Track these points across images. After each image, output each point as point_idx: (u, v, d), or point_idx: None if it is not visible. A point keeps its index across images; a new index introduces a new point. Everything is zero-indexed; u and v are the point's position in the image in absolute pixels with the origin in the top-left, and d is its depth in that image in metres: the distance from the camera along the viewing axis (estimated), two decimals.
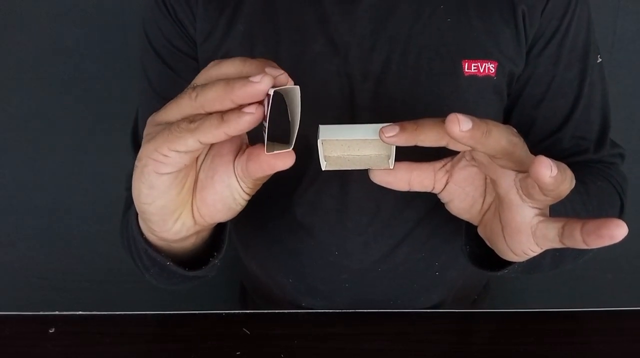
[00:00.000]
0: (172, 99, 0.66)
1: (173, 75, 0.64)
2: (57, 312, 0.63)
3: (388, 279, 0.68)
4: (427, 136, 0.37)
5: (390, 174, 0.41)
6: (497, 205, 0.41)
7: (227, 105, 0.35)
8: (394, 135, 0.37)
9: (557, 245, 0.38)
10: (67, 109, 1.03)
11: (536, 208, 0.38)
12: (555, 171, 0.34)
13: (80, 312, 0.63)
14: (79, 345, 0.59)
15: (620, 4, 0.95)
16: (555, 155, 0.63)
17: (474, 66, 0.58)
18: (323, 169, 0.41)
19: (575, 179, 0.57)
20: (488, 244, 0.44)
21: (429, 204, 0.64)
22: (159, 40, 0.64)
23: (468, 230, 0.49)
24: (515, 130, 0.38)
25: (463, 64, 0.58)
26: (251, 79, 0.34)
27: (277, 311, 0.64)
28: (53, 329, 0.61)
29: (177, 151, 0.36)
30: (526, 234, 0.39)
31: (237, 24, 0.60)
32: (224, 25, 0.60)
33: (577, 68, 0.62)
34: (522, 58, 0.60)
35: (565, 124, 0.63)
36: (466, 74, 0.58)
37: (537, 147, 0.64)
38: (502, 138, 0.35)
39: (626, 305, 0.64)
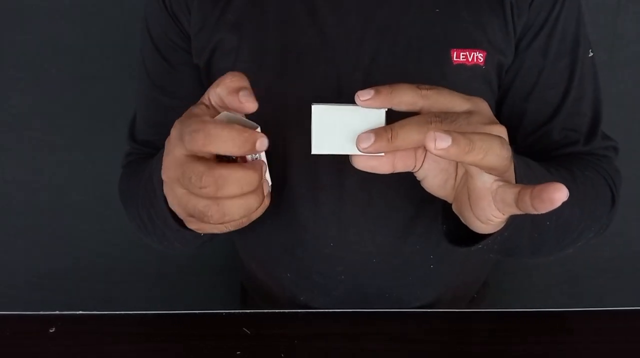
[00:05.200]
0: (166, 88, 0.68)
1: (168, 66, 0.66)
2: (57, 312, 0.63)
3: (383, 271, 0.69)
4: (401, 99, 0.38)
5: (376, 158, 0.42)
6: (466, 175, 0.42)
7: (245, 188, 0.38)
8: (369, 98, 0.38)
9: (515, 210, 0.39)
10: (67, 109, 1.03)
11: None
12: (443, 144, 0.35)
13: (80, 312, 0.63)
14: (79, 345, 0.59)
15: (620, 4, 0.95)
16: (545, 147, 0.64)
17: (463, 55, 0.59)
18: (312, 152, 0.41)
19: (563, 168, 0.58)
20: (462, 220, 0.46)
21: (423, 197, 0.64)
22: (157, 32, 0.66)
23: (445, 210, 0.50)
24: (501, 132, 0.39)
25: (452, 53, 0.59)
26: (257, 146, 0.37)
27: (277, 311, 0.64)
28: (53, 329, 0.61)
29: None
30: (487, 200, 0.41)
31: (228, 14, 0.61)
32: (216, 16, 0.61)
33: (567, 60, 0.62)
34: (511, 49, 0.61)
35: (555, 116, 0.63)
36: (455, 63, 0.59)
37: (528, 138, 0.64)
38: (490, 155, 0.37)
39: (626, 305, 0.64)
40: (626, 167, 0.68)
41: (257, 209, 0.40)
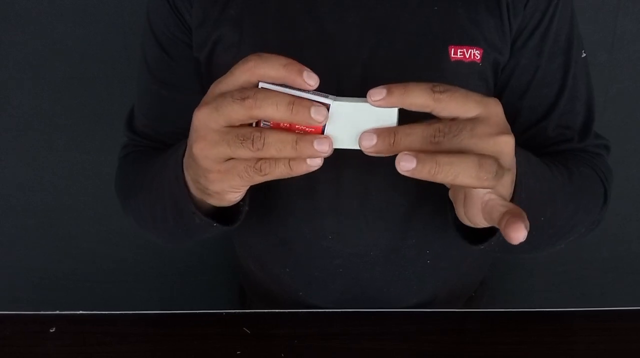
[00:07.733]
0: (167, 82, 0.68)
1: (168, 60, 0.66)
2: (57, 312, 0.63)
3: (380, 265, 0.69)
4: (413, 101, 0.38)
5: None
6: None
7: (289, 152, 0.39)
8: (382, 98, 0.38)
9: (496, 225, 0.40)
10: (67, 109, 1.03)
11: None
12: (408, 166, 0.37)
13: (80, 312, 0.63)
14: (79, 345, 0.59)
15: (620, 4, 0.95)
16: (540, 143, 0.65)
17: (460, 52, 0.60)
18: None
19: (559, 163, 0.59)
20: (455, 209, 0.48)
21: (420, 192, 0.65)
22: (158, 25, 0.66)
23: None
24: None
25: (449, 49, 0.60)
26: (316, 145, 0.38)
27: (277, 311, 0.64)
28: (54, 329, 0.61)
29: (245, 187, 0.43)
30: (477, 208, 0.43)
31: (230, 9, 0.62)
32: (218, 10, 0.62)
33: (561, 60, 0.64)
34: (507, 48, 0.62)
35: (550, 113, 0.65)
36: (452, 60, 0.60)
37: (523, 136, 0.65)
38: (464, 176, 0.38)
39: (626, 305, 0.64)
40: (625, 167, 0.68)
41: (300, 157, 0.39)
